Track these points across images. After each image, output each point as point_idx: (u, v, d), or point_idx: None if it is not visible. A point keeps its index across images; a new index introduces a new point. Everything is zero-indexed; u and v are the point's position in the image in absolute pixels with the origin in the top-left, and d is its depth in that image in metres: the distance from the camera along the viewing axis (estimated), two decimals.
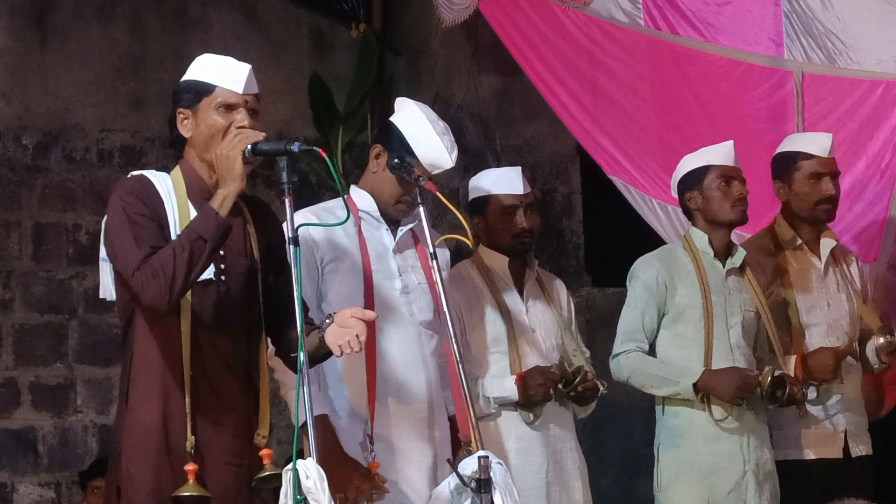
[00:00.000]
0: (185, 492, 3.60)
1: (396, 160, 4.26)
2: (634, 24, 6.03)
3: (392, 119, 4.39)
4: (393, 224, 4.38)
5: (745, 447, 4.95)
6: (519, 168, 4.96)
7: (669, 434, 5.00)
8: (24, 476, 7.07)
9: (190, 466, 3.61)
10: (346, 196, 3.89)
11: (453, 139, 4.34)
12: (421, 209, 4.23)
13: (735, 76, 5.81)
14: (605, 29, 6.12)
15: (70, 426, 7.13)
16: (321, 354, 3.78)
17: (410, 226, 4.37)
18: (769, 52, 5.71)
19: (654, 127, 6.07)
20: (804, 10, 5.54)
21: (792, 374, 5.05)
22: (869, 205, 5.54)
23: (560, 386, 4.77)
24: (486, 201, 4.89)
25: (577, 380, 4.75)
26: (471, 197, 4.96)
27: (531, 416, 4.77)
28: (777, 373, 4.91)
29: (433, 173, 4.27)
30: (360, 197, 4.37)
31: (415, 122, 4.32)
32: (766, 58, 5.71)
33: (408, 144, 4.28)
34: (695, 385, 4.90)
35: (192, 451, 3.63)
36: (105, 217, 3.73)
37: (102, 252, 3.76)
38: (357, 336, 3.64)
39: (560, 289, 5.07)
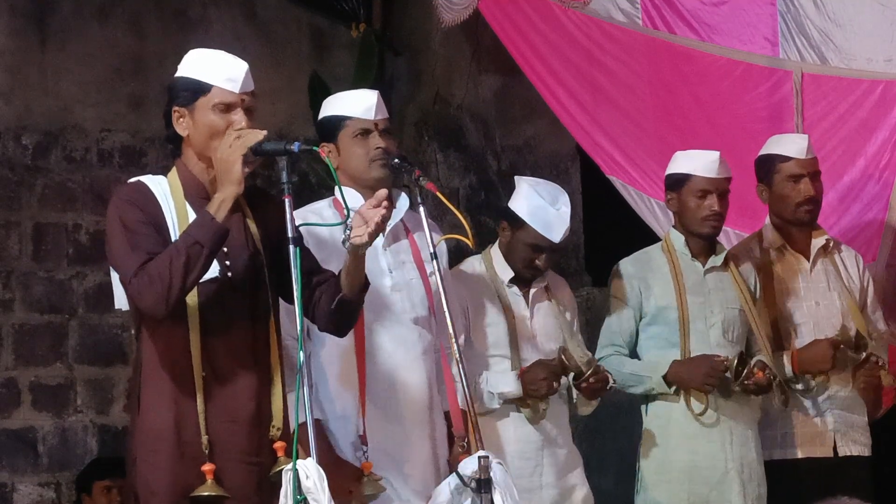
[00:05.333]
0: (204, 491, 3.60)
1: (397, 160, 4.28)
2: (633, 23, 6.04)
3: (320, 117, 4.48)
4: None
5: (728, 446, 4.95)
6: (567, 214, 4.80)
7: (650, 433, 5.01)
8: (24, 476, 7.06)
9: (207, 466, 3.61)
10: (342, 196, 3.87)
11: None
12: (421, 209, 4.23)
13: (734, 76, 5.82)
14: (604, 29, 6.13)
15: (70, 426, 7.13)
16: (364, 278, 3.81)
17: (399, 218, 4.37)
18: (765, 52, 5.72)
19: (652, 127, 6.08)
20: (798, 9, 5.55)
21: (789, 371, 5.07)
22: (867, 205, 5.55)
23: (570, 378, 4.77)
24: (520, 223, 4.82)
25: (590, 371, 4.75)
26: (511, 203, 4.88)
27: (535, 412, 4.77)
28: (756, 359, 4.92)
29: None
30: (347, 196, 4.35)
31: (335, 100, 4.46)
32: (765, 58, 5.72)
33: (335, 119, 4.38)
34: (665, 378, 4.92)
35: (208, 451, 3.62)
36: (106, 228, 3.73)
37: None
38: (380, 218, 3.65)
39: (566, 292, 5.07)
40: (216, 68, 3.77)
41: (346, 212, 3.80)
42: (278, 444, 3.69)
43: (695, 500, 4.94)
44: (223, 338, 3.69)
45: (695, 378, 4.92)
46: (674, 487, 4.96)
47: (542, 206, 4.79)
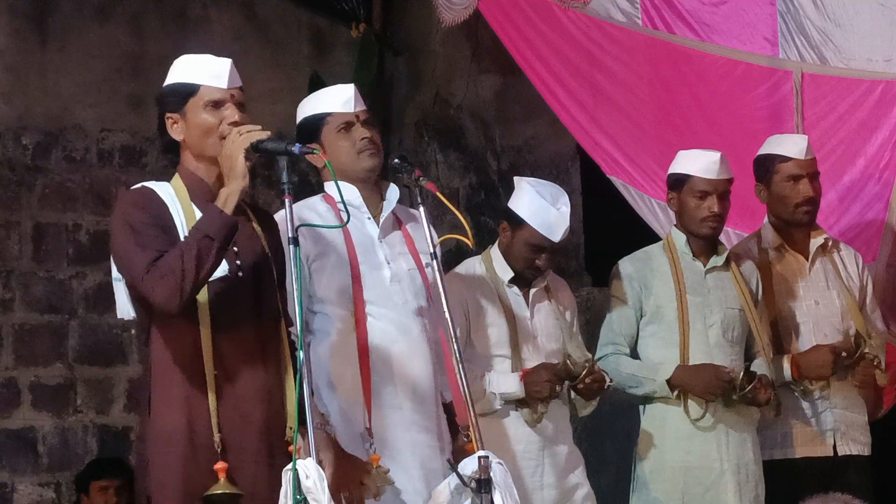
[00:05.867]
0: (218, 490, 3.59)
1: (397, 161, 4.27)
2: (633, 23, 6.04)
3: (299, 120, 4.49)
4: (376, 213, 4.36)
5: (724, 446, 4.95)
6: (567, 214, 4.82)
7: (646, 434, 5.02)
8: (24, 476, 7.06)
9: (220, 465, 3.60)
10: (340, 194, 3.88)
11: None
12: (421, 209, 4.23)
13: (734, 76, 5.82)
14: (604, 29, 6.13)
15: (70, 426, 7.13)
16: None
17: (391, 209, 4.37)
18: (765, 52, 5.72)
19: (652, 127, 6.08)
20: (797, 9, 5.55)
21: (788, 375, 5.07)
22: (867, 205, 5.55)
23: (567, 380, 4.77)
24: (521, 222, 4.83)
25: (585, 372, 4.76)
26: (511, 203, 4.90)
27: (535, 414, 4.77)
28: (761, 372, 4.93)
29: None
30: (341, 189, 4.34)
31: (312, 100, 4.50)
32: (765, 58, 5.72)
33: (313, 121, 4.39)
34: (669, 381, 4.92)
35: (220, 450, 3.61)
36: (111, 234, 3.72)
37: (115, 272, 3.75)
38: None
39: (566, 293, 5.07)
40: (201, 69, 3.79)
41: (343, 208, 3.81)
42: (293, 448, 3.65)
43: (689, 500, 4.94)
44: (234, 337, 3.68)
45: (699, 386, 4.92)
46: (669, 487, 4.96)
47: (543, 206, 4.79)
